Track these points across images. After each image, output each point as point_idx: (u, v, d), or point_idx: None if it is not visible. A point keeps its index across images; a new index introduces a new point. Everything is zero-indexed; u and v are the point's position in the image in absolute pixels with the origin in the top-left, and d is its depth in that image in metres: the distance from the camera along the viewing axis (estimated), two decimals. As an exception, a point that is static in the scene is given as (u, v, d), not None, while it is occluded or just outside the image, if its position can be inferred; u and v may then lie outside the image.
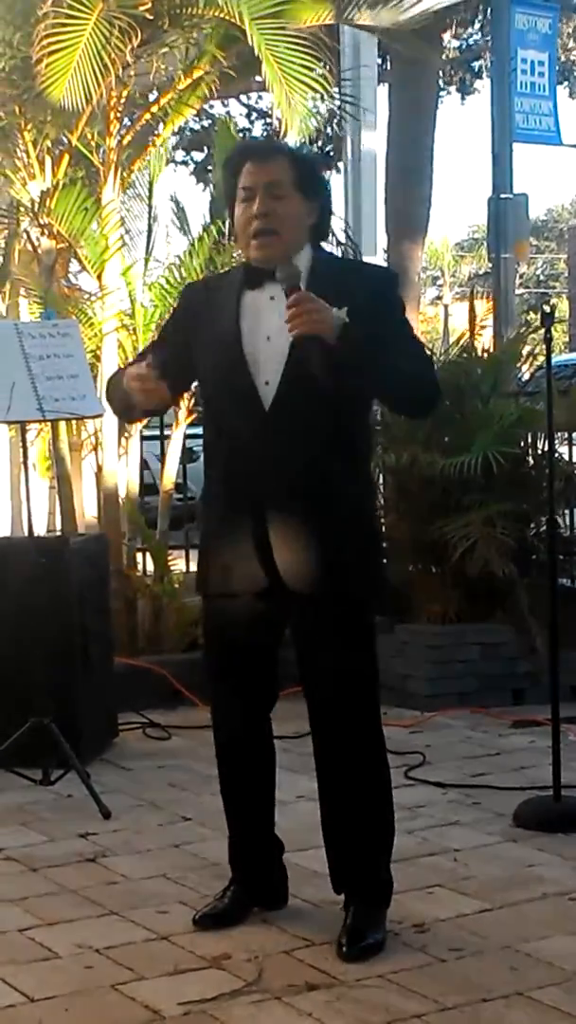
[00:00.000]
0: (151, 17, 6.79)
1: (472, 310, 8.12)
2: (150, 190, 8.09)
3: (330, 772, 3.88)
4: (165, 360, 3.73)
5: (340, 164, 11.23)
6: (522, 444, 7.30)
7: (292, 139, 6.91)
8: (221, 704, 4.03)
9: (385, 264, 15.70)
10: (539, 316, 5.10)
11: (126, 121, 7.49)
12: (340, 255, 8.25)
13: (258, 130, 20.42)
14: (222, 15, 6.74)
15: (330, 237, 4.02)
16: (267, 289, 3.75)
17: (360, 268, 4.31)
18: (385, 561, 4.11)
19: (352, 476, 3.82)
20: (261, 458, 3.72)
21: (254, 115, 20.83)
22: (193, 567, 4.39)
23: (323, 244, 3.95)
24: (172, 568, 7.50)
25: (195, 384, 4.19)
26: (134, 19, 6.67)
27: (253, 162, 3.79)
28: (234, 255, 7.76)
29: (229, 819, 4.06)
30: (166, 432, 7.94)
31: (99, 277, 7.41)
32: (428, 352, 3.92)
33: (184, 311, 4.03)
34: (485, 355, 7.75)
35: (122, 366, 3.86)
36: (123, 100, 7.31)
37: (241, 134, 20.36)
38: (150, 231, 8.10)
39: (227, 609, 3.88)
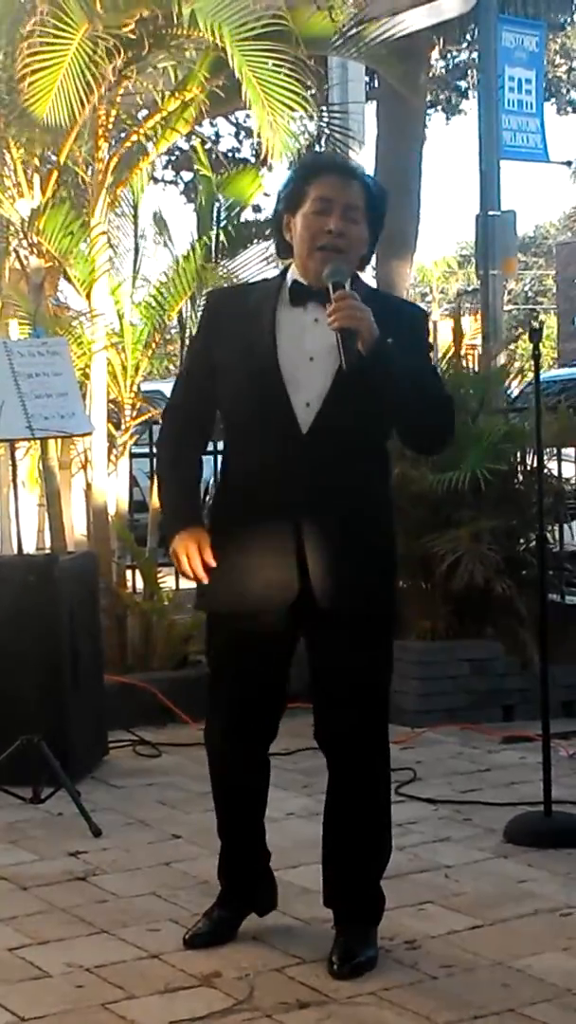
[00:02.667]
0: (134, 37, 6.79)
1: (457, 326, 8.12)
2: (135, 209, 8.11)
3: (342, 788, 3.86)
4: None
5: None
6: (511, 460, 7.31)
7: (276, 160, 6.93)
8: (222, 739, 3.92)
9: (374, 281, 15.76)
10: (527, 333, 5.11)
11: (115, 142, 7.51)
12: None
13: (247, 150, 20.51)
14: (205, 36, 6.74)
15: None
16: (310, 311, 3.72)
17: (398, 304, 4.23)
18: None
19: (383, 497, 3.86)
20: (295, 479, 3.67)
21: (242, 134, 20.93)
22: (183, 584, 4.39)
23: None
24: (162, 585, 7.49)
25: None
26: (118, 39, 6.68)
27: (337, 177, 3.77)
28: (221, 274, 7.80)
29: (222, 832, 4.04)
30: (155, 450, 7.92)
31: (88, 296, 7.42)
32: (449, 397, 3.93)
33: (209, 327, 3.92)
34: (472, 372, 7.76)
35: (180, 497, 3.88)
36: (111, 120, 7.33)
37: (229, 153, 20.46)
38: (137, 249, 8.12)
39: (241, 630, 3.78)
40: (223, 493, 3.93)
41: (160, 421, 4.11)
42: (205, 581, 3.75)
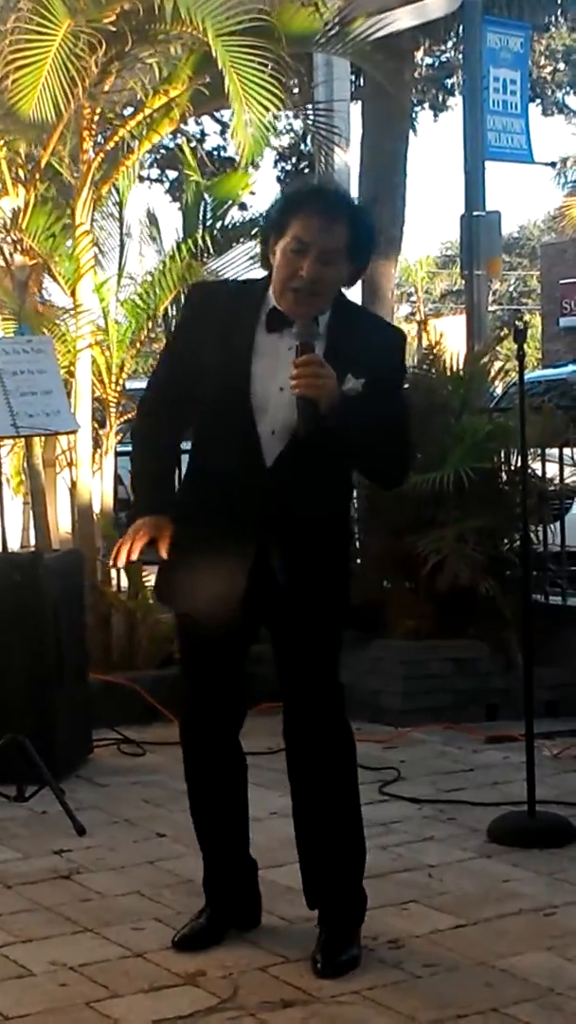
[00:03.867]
0: (113, 29, 6.75)
1: (424, 327, 8.12)
2: (120, 207, 8.10)
3: (305, 783, 3.89)
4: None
5: (313, 181, 11.27)
6: (495, 460, 7.32)
7: (245, 160, 6.91)
8: (192, 722, 4.02)
9: (359, 283, 15.78)
10: (512, 333, 5.12)
11: (100, 139, 7.49)
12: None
13: (232, 149, 20.48)
14: (188, 30, 6.70)
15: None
16: (285, 338, 3.70)
17: (377, 325, 4.14)
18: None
19: (343, 516, 3.97)
20: (255, 501, 3.71)
21: (228, 133, 20.92)
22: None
23: None
24: (147, 584, 7.49)
25: None
26: (101, 33, 6.65)
27: (318, 219, 3.66)
28: (206, 273, 7.79)
29: (202, 842, 4.05)
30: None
31: (73, 294, 7.41)
32: (409, 444, 3.99)
33: (195, 318, 3.90)
34: (450, 372, 7.74)
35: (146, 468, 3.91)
36: (96, 118, 7.31)
37: (214, 152, 20.43)
38: (122, 247, 8.11)
39: (198, 625, 3.87)
40: (187, 491, 3.96)
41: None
42: (125, 561, 3.76)
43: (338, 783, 3.88)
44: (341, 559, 3.96)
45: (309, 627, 3.83)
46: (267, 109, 6.69)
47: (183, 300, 4.20)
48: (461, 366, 7.72)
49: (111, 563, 3.83)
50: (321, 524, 3.79)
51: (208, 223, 8.11)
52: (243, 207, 13.42)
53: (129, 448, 4.13)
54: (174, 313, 7.74)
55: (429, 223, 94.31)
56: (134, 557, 3.76)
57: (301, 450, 3.67)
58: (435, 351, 7.74)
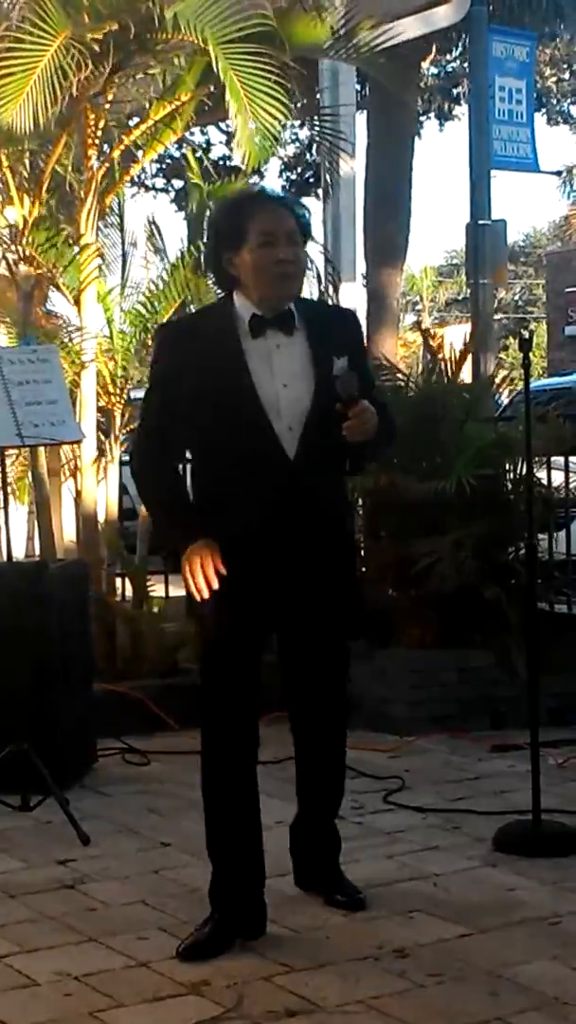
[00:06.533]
0: (97, 49, 6.66)
1: (434, 338, 8.11)
2: (121, 217, 8.12)
3: (311, 745, 4.20)
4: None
5: (319, 191, 11.29)
6: (500, 469, 7.31)
7: (250, 167, 6.91)
8: (218, 732, 4.01)
9: (364, 290, 15.80)
10: (517, 342, 5.12)
11: (104, 149, 7.49)
12: (320, 282, 8.26)
13: (238, 158, 20.48)
14: (188, 39, 6.69)
15: (310, 265, 4.29)
16: (270, 337, 3.93)
17: (332, 312, 4.64)
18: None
19: (350, 512, 4.33)
20: (286, 501, 3.87)
21: (234, 142, 20.93)
22: (174, 592, 4.46)
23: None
24: (151, 593, 7.49)
25: None
26: (99, 44, 6.63)
27: (271, 209, 3.97)
28: (210, 283, 7.79)
29: (216, 852, 4.06)
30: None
31: (77, 304, 7.41)
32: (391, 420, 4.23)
33: (173, 352, 4.03)
34: (457, 381, 7.73)
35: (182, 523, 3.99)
36: (100, 128, 7.31)
37: (220, 161, 20.45)
38: (124, 257, 8.12)
39: (230, 634, 3.95)
40: (204, 506, 4.01)
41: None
42: (208, 593, 3.84)
43: (340, 739, 4.26)
44: (353, 559, 4.27)
45: (325, 632, 4.07)
46: (273, 118, 6.68)
47: (154, 342, 4.34)
48: (461, 373, 7.71)
49: (198, 597, 3.88)
50: (339, 516, 4.08)
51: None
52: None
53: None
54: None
55: (434, 231, 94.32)
56: (215, 586, 3.83)
57: (315, 440, 3.89)
58: (440, 359, 7.72)
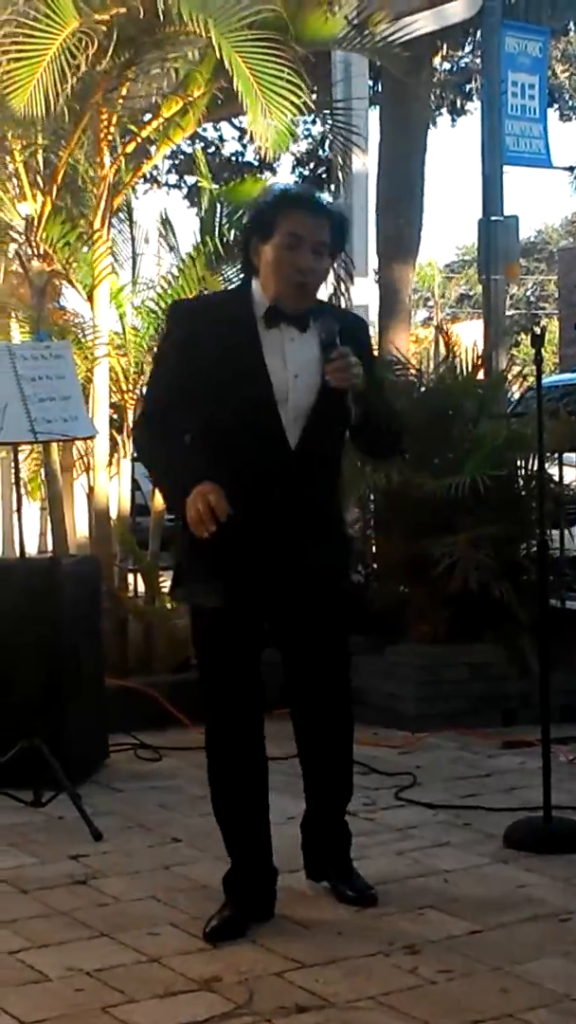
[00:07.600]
0: (103, 37, 6.62)
1: (446, 336, 8.10)
2: (130, 214, 8.12)
3: (316, 736, 4.21)
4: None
5: (331, 186, 11.27)
6: (512, 466, 7.31)
7: (271, 156, 6.88)
8: (221, 723, 4.07)
9: (376, 285, 15.78)
10: (529, 338, 5.12)
11: (117, 144, 7.49)
12: (335, 279, 8.26)
13: (251, 155, 20.50)
14: (196, 31, 6.65)
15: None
16: (284, 330, 3.95)
17: (346, 315, 4.55)
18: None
19: (341, 515, 4.38)
20: (282, 487, 3.92)
21: (246, 138, 20.93)
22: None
23: None
24: (163, 589, 7.50)
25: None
26: (109, 37, 6.59)
27: (307, 213, 3.94)
28: (223, 279, 7.80)
29: (232, 843, 4.12)
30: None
31: (90, 299, 7.42)
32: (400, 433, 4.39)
33: (185, 328, 4.02)
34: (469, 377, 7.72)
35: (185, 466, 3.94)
36: (113, 124, 7.31)
37: (233, 157, 20.45)
38: (134, 252, 8.13)
39: (222, 623, 4.00)
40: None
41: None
42: (214, 527, 3.79)
43: (347, 731, 4.27)
44: (347, 555, 4.33)
45: (324, 625, 4.09)
46: (287, 111, 6.65)
47: (166, 319, 4.33)
48: (475, 369, 7.70)
49: (202, 533, 3.81)
50: (332, 511, 4.15)
51: (223, 229, 8.10)
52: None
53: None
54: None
55: (446, 227, 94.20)
56: (222, 517, 3.77)
57: (316, 435, 3.95)
58: (453, 355, 7.73)
